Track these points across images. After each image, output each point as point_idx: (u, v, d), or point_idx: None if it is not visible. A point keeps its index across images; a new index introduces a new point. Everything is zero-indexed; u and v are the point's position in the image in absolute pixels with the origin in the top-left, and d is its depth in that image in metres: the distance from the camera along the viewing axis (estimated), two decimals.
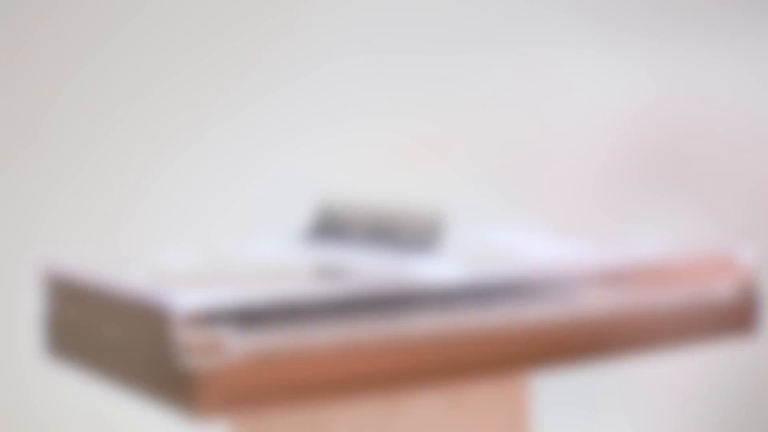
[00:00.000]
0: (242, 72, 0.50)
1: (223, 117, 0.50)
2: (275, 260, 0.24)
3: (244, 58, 0.50)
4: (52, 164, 0.48)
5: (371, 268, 0.23)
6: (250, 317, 0.19)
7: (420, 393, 0.23)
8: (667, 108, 0.53)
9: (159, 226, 0.49)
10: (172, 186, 0.49)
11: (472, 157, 0.52)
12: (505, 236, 0.29)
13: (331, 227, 0.26)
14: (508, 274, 0.24)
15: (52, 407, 0.48)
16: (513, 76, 0.52)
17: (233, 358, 0.19)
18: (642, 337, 0.26)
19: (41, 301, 0.24)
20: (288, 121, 0.50)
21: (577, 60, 0.52)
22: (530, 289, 0.24)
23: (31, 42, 0.47)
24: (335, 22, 0.50)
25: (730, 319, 0.27)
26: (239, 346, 0.19)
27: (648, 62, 0.53)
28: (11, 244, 0.48)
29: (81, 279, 0.23)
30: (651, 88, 0.53)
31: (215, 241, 0.49)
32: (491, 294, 0.23)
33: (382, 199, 0.25)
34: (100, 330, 0.22)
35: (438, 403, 0.24)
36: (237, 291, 0.20)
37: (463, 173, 0.51)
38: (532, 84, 0.52)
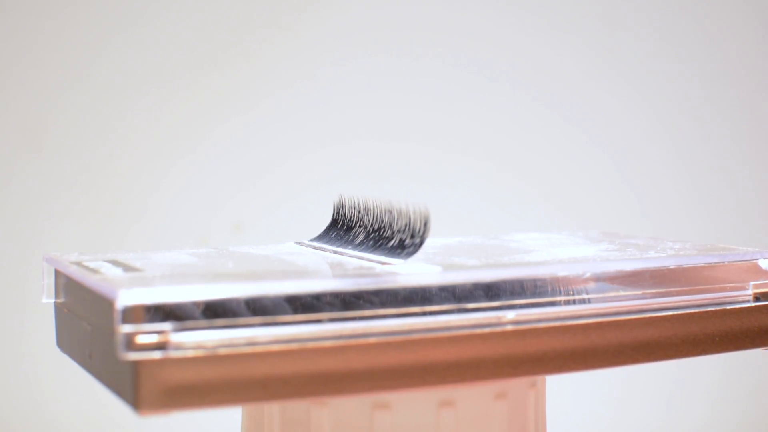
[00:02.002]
0: (245, 74, 0.50)
1: (227, 120, 0.50)
2: (265, 260, 0.24)
3: (248, 59, 0.50)
4: (57, 165, 0.49)
5: (355, 266, 0.23)
6: (199, 313, 0.20)
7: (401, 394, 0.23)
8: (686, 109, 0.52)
9: (165, 226, 0.50)
10: (177, 187, 0.50)
11: (475, 156, 0.51)
12: (514, 237, 0.29)
13: (334, 227, 0.25)
14: (510, 274, 0.23)
15: (59, 404, 0.49)
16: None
17: (176, 354, 0.19)
18: (659, 342, 0.25)
19: (50, 297, 0.25)
20: (288, 122, 0.50)
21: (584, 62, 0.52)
22: (539, 290, 0.23)
23: (34, 42, 0.48)
24: (341, 22, 0.50)
25: (751, 325, 0.26)
26: (183, 341, 0.19)
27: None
28: (19, 241, 0.49)
29: (75, 276, 0.23)
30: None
31: (214, 242, 0.49)
32: (485, 294, 0.23)
33: (381, 199, 0.25)
34: (82, 324, 0.22)
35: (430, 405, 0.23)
36: (192, 287, 0.20)
37: (467, 172, 0.51)
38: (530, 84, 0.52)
